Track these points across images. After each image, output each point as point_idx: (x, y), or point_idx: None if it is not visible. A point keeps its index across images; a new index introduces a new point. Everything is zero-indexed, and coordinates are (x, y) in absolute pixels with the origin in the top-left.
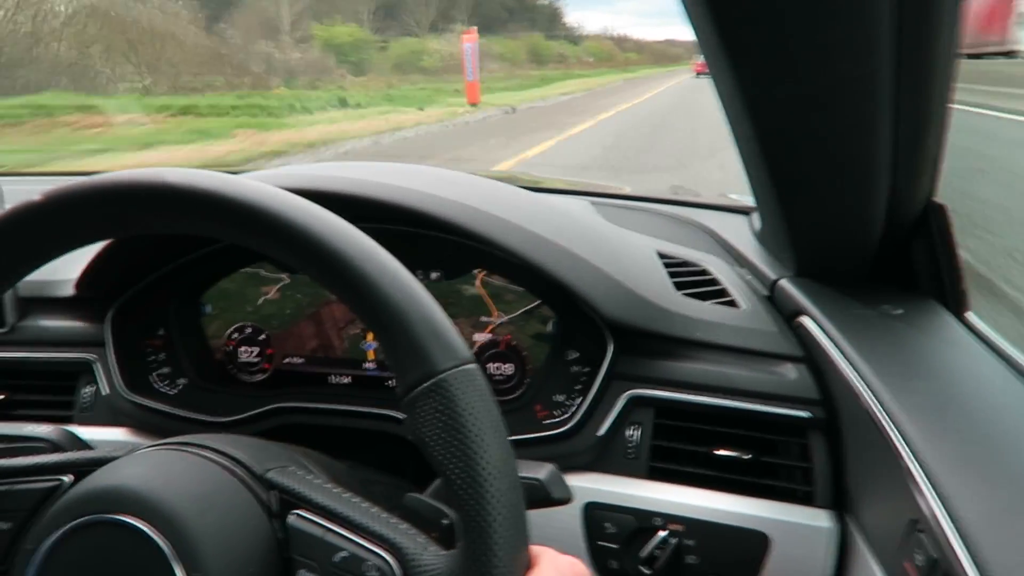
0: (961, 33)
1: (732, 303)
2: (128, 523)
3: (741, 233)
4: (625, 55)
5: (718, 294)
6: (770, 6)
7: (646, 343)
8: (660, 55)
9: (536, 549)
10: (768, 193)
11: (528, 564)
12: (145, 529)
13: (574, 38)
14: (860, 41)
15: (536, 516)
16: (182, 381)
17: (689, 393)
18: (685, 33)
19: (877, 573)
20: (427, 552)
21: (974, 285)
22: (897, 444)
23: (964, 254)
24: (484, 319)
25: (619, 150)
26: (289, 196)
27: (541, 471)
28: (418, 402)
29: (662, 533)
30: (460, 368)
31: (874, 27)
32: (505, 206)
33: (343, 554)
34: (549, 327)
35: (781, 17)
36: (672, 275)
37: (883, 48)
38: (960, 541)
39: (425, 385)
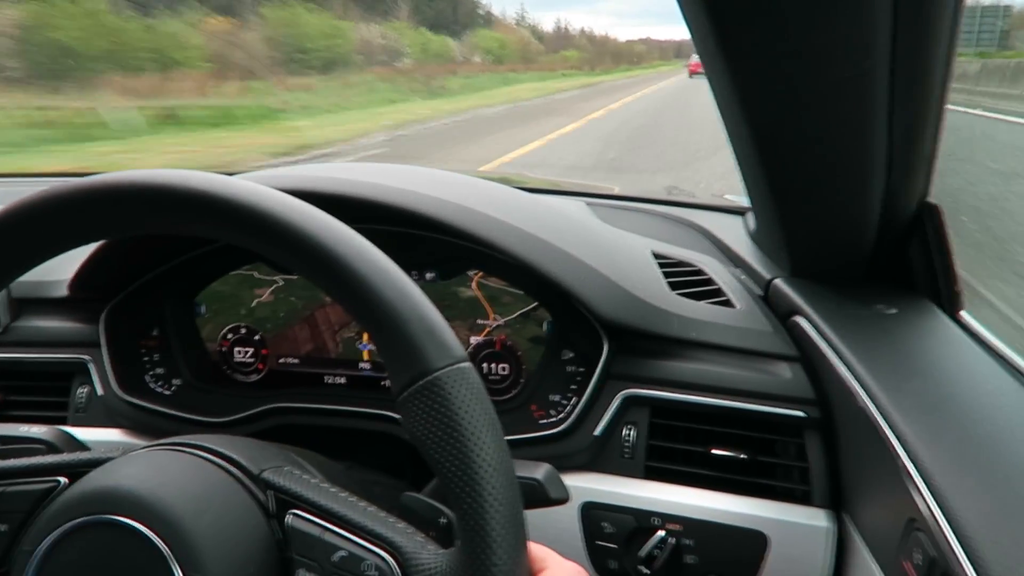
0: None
1: (727, 303)
2: (125, 524)
3: (736, 233)
4: (561, 54)
5: (713, 294)
6: (766, 7)
7: (641, 343)
8: (608, 54)
9: (539, 553)
10: (763, 193)
11: (531, 568)
12: (142, 530)
13: (458, 27)
14: (856, 42)
15: (534, 516)
16: (177, 381)
17: (684, 393)
18: (660, 32)
19: (875, 572)
20: (425, 550)
21: None
22: (893, 444)
23: None
24: (481, 322)
25: None
26: (282, 196)
27: (538, 471)
28: (413, 401)
29: (660, 533)
30: (454, 366)
31: (870, 28)
32: (500, 207)
33: (342, 553)
34: (544, 327)
35: (777, 18)
36: (667, 275)
37: (878, 49)
38: (958, 540)
39: (419, 384)
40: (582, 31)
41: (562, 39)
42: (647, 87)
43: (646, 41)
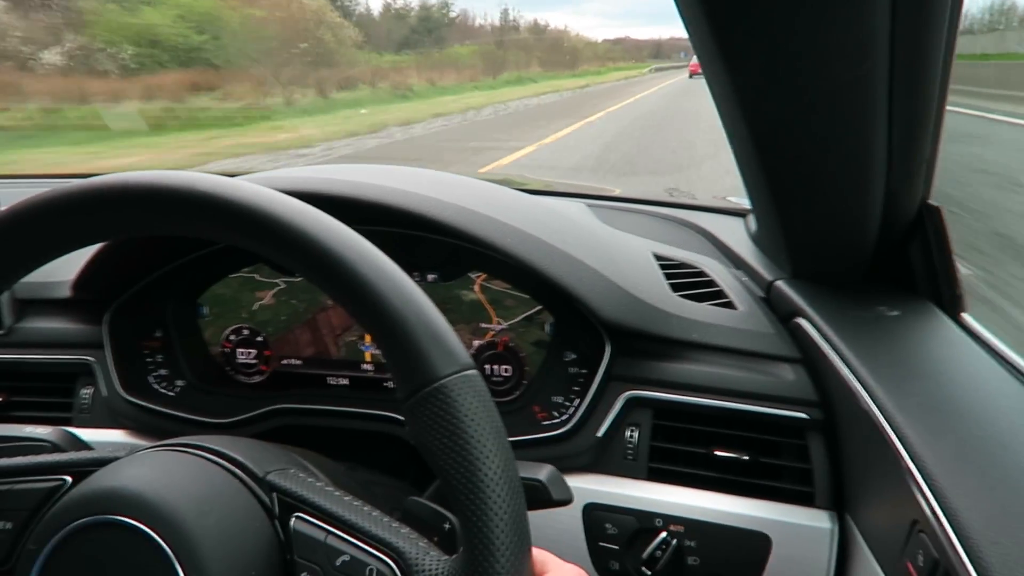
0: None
1: (728, 305)
2: (129, 524)
3: (737, 235)
4: (455, 49)
5: (715, 296)
6: (766, 9)
7: (643, 345)
8: (512, 55)
9: (540, 557)
10: (764, 195)
11: (532, 573)
12: (146, 530)
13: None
14: (855, 43)
15: (537, 517)
16: (180, 382)
17: (687, 394)
18: (641, 32)
19: (878, 573)
20: (428, 557)
21: None
22: (895, 445)
23: None
24: (484, 326)
25: None
26: (287, 199)
27: (541, 472)
28: (419, 408)
29: (663, 534)
30: (461, 374)
31: (869, 29)
32: (502, 208)
33: (345, 558)
34: (547, 329)
35: (776, 20)
36: (668, 277)
37: (878, 50)
38: (960, 542)
39: (426, 390)
40: (535, 23)
41: (468, 30)
42: None
43: (623, 41)
